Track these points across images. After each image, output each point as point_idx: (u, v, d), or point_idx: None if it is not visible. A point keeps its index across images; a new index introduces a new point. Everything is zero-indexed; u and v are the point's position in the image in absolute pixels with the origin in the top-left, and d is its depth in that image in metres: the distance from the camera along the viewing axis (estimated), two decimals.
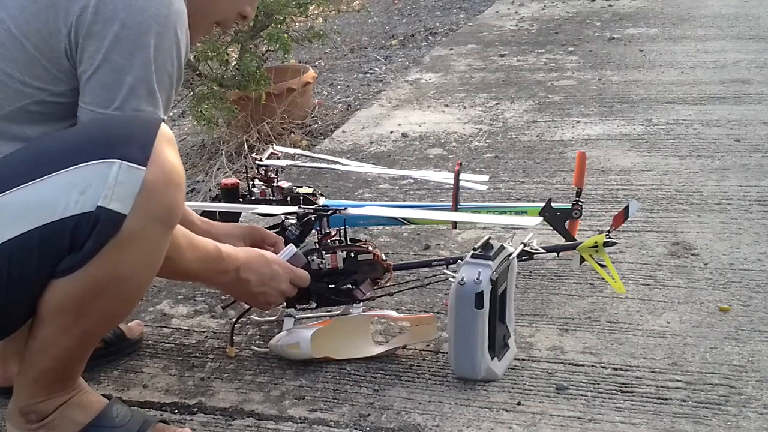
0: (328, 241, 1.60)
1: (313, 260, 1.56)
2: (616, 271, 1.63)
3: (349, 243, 1.59)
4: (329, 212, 1.61)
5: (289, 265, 1.49)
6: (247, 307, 1.58)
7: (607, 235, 1.62)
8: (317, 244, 1.60)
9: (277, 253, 1.53)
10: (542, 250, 1.66)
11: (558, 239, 1.89)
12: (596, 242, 1.61)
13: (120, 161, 1.08)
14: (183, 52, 1.22)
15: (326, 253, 1.56)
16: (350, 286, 1.57)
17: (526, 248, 1.63)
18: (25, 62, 1.17)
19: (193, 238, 1.28)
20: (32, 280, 1.10)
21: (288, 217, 1.72)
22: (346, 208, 1.62)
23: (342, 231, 1.60)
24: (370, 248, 1.58)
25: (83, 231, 1.07)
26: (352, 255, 1.57)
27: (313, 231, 1.65)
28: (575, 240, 1.80)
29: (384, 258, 1.59)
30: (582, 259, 1.65)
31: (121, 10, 1.15)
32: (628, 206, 1.63)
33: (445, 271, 1.54)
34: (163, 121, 1.18)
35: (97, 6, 1.15)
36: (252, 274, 1.42)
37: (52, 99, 1.20)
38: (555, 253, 1.70)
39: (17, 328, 1.17)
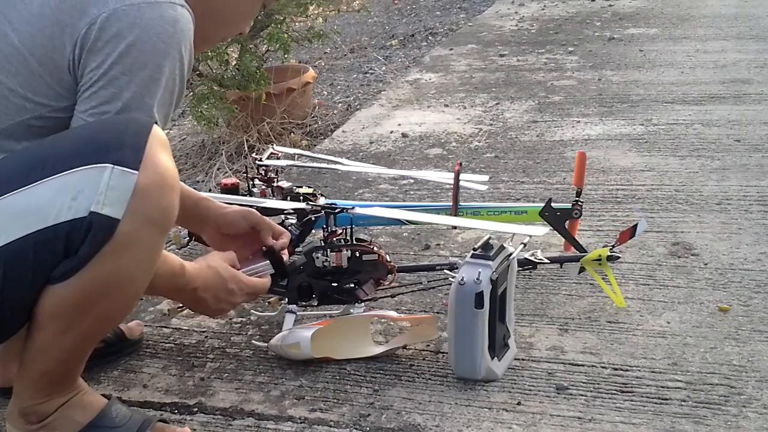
0: (334, 239, 1.60)
1: (317, 257, 1.56)
2: (616, 279, 1.64)
3: (354, 242, 1.59)
4: (336, 210, 1.61)
5: (246, 280, 1.41)
6: None
7: (611, 249, 1.63)
8: (323, 242, 1.60)
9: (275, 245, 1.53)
10: (546, 261, 1.67)
11: (558, 239, 1.89)
12: (600, 255, 1.62)
13: (112, 166, 1.08)
14: (186, 69, 1.22)
15: (331, 251, 1.55)
16: (353, 285, 1.57)
17: (530, 258, 1.64)
18: (28, 77, 1.17)
19: (163, 255, 1.26)
20: (27, 286, 1.10)
21: (288, 217, 1.72)
22: (353, 208, 1.62)
23: (347, 230, 1.60)
24: (375, 249, 1.58)
25: (77, 237, 1.07)
26: (357, 255, 1.57)
27: (319, 229, 1.65)
28: (575, 240, 1.80)
29: (389, 260, 1.59)
30: (582, 268, 1.66)
31: (126, 29, 1.15)
32: (636, 225, 1.64)
33: (446, 271, 1.54)
34: (156, 123, 1.18)
35: (103, 24, 1.14)
36: (208, 294, 1.36)
37: (53, 114, 1.19)
38: (558, 264, 1.71)
39: (14, 333, 1.16)
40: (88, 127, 1.16)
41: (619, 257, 1.64)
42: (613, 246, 1.66)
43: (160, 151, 1.13)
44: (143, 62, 1.16)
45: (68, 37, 1.15)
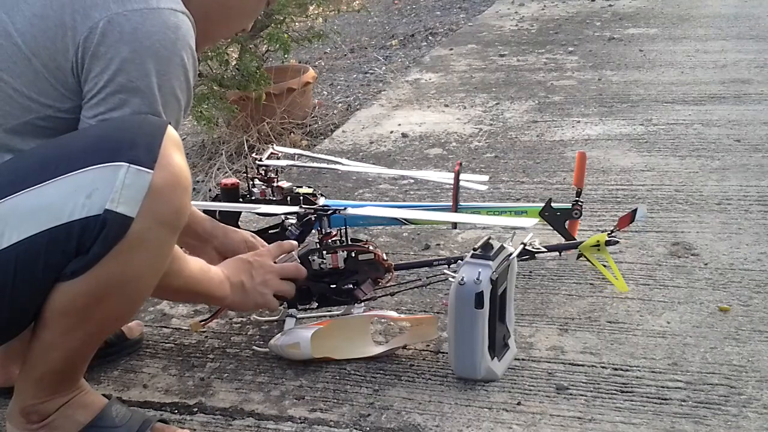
0: (329, 241, 1.60)
1: (314, 260, 1.56)
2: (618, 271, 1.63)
3: (350, 243, 1.59)
4: (329, 212, 1.61)
5: (274, 264, 1.49)
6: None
7: (609, 234, 1.62)
8: (318, 244, 1.60)
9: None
10: (544, 249, 1.65)
11: (558, 239, 1.89)
12: (598, 241, 1.60)
13: (127, 164, 1.08)
14: (191, 75, 1.22)
15: (327, 253, 1.55)
16: (351, 286, 1.57)
17: (527, 247, 1.62)
18: (32, 78, 1.16)
19: (186, 258, 1.28)
20: (38, 283, 1.10)
21: (288, 217, 1.72)
22: (345, 208, 1.62)
23: (342, 231, 1.60)
24: (371, 248, 1.58)
25: (90, 234, 1.07)
26: (353, 255, 1.57)
27: (314, 231, 1.65)
28: (576, 240, 1.80)
29: (385, 258, 1.59)
30: (579, 255, 1.65)
31: (129, 34, 1.14)
32: (635, 210, 1.63)
33: (445, 271, 1.54)
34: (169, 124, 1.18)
35: (105, 28, 1.14)
36: (243, 276, 1.42)
37: (58, 115, 1.19)
38: (557, 253, 1.70)
39: (21, 331, 1.17)
40: (102, 127, 1.16)
41: (618, 242, 1.62)
42: (612, 231, 1.64)
43: (174, 151, 1.13)
44: (147, 69, 1.15)
45: (70, 39, 1.14)
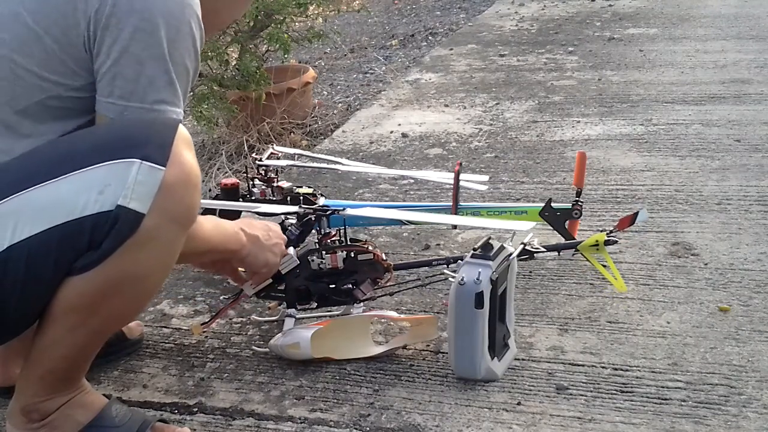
0: (328, 241, 1.60)
1: (313, 260, 1.56)
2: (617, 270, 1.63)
3: (349, 243, 1.59)
4: (328, 213, 1.61)
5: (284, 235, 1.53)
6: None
7: (608, 233, 1.62)
8: (317, 244, 1.60)
9: None
10: (543, 249, 1.65)
11: (558, 239, 1.89)
12: (597, 240, 1.61)
13: (140, 161, 1.09)
14: (198, 43, 1.24)
15: (326, 253, 1.55)
16: (350, 286, 1.57)
17: (527, 247, 1.63)
18: (43, 56, 1.17)
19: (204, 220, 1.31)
20: (49, 278, 1.10)
21: (288, 217, 1.72)
22: (344, 209, 1.61)
23: (342, 231, 1.60)
24: (370, 248, 1.58)
25: (102, 230, 1.08)
26: (353, 255, 1.57)
27: (314, 231, 1.65)
28: (575, 240, 1.80)
29: (384, 258, 1.59)
30: (575, 251, 1.64)
31: (138, 3, 1.16)
32: (637, 213, 1.63)
33: (445, 271, 1.54)
34: (181, 121, 1.19)
35: (115, 0, 1.16)
36: (257, 230, 1.44)
37: (70, 94, 1.20)
38: (556, 252, 1.70)
39: (27, 327, 1.17)
40: (114, 124, 1.17)
41: (616, 241, 1.62)
42: (611, 231, 1.64)
43: (185, 149, 1.14)
44: (159, 37, 1.17)
45: (81, 13, 1.16)
